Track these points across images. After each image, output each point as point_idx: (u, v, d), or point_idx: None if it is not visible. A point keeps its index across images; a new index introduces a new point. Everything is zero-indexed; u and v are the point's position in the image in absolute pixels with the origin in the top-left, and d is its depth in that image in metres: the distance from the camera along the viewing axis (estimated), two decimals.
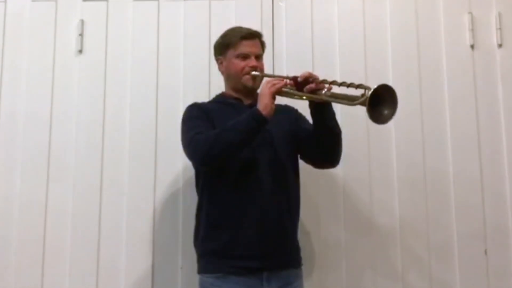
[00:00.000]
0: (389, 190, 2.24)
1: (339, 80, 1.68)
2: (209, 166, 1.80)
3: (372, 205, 2.24)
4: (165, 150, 2.25)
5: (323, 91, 1.69)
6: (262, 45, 1.95)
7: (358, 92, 1.61)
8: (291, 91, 1.75)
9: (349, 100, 1.62)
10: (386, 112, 1.58)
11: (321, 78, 1.71)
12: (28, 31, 2.37)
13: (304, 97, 1.74)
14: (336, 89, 1.69)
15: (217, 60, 1.99)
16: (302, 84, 1.71)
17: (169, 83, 2.32)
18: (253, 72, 1.87)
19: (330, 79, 1.70)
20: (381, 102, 1.56)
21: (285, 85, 1.73)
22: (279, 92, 1.73)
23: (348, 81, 1.65)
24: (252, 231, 1.75)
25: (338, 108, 1.87)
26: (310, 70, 1.72)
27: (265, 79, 1.83)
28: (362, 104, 1.56)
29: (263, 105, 1.69)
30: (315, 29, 2.36)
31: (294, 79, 1.73)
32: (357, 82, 1.62)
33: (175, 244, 2.20)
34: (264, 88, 1.73)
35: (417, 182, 2.25)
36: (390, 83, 1.59)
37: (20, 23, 2.37)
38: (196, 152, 1.76)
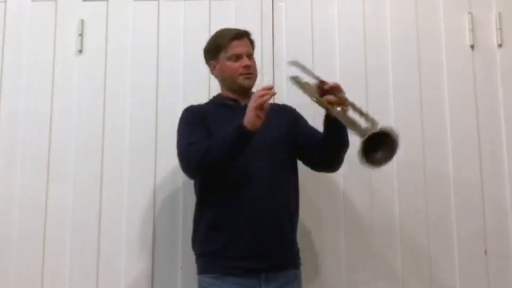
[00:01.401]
0: (389, 191, 2.24)
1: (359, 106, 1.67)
2: (203, 177, 1.82)
3: (372, 206, 2.24)
4: (165, 150, 2.23)
5: (338, 108, 1.68)
6: (252, 43, 1.94)
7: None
8: (308, 88, 1.75)
9: (353, 126, 1.59)
10: (379, 156, 1.54)
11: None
12: (28, 31, 2.36)
13: (315, 100, 1.73)
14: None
15: (209, 65, 1.97)
16: (325, 92, 1.71)
17: (169, 83, 2.32)
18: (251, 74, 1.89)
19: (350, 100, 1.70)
20: (380, 146, 1.52)
21: (272, 96, 1.68)
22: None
23: (365, 110, 1.63)
24: (250, 233, 1.75)
25: None
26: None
27: (256, 90, 1.78)
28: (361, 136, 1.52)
29: (247, 118, 1.65)
30: (315, 29, 2.36)
31: (322, 83, 1.73)
32: (371, 115, 1.60)
33: (175, 244, 2.20)
34: (250, 101, 1.68)
35: (417, 182, 2.24)
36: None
37: (20, 23, 2.37)
38: (188, 165, 1.78)
